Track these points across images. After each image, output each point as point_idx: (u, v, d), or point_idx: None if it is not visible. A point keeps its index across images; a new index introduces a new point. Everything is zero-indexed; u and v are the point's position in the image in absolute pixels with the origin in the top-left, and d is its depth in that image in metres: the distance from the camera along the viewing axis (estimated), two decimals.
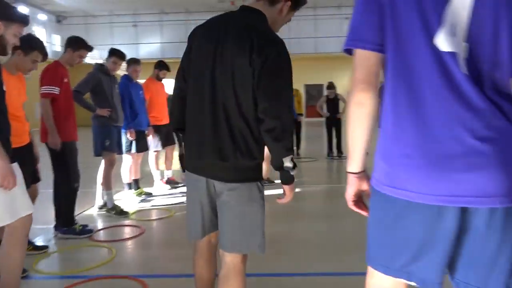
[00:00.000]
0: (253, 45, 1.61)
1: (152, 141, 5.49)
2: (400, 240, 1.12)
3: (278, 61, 1.65)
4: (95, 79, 4.29)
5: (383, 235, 1.18)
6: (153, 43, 22.77)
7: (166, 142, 5.68)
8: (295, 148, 8.46)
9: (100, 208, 4.63)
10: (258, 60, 1.60)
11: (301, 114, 8.32)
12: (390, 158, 1.12)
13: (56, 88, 3.56)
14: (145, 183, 5.64)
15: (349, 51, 1.17)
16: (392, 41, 1.09)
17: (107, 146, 4.37)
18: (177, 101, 1.93)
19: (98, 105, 4.30)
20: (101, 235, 3.92)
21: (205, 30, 1.80)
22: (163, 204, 5.01)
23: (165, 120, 5.52)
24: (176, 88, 1.93)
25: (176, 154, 6.07)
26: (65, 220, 3.74)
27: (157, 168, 5.76)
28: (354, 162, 1.25)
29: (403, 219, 1.10)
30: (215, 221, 1.85)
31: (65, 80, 3.68)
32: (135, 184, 5.30)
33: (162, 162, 5.88)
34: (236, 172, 1.72)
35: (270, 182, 5.50)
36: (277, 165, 1.70)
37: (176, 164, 6.24)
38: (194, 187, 1.85)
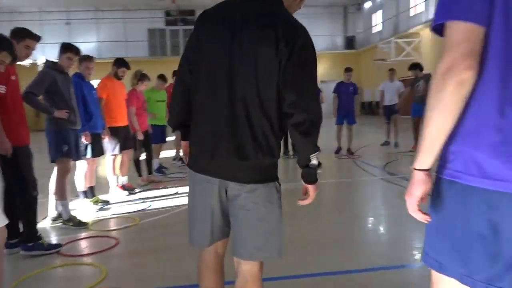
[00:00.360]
0: (279, 33, 1.48)
1: (109, 144, 5.08)
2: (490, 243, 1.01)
3: (305, 51, 1.54)
4: (49, 78, 3.82)
5: (468, 239, 1.05)
6: (89, 42, 21.55)
7: (124, 146, 5.28)
8: None
9: (54, 220, 4.19)
10: (285, 49, 1.48)
11: None
12: (487, 146, 1.00)
13: (2, 86, 3.13)
14: (100, 190, 5.21)
15: (439, 30, 1.04)
16: (502, 18, 0.97)
17: (65, 152, 3.94)
18: (179, 97, 1.76)
19: (54, 107, 3.85)
20: (71, 250, 3.50)
21: (216, 18, 1.61)
22: (124, 212, 4.65)
23: (122, 122, 5.15)
24: (179, 82, 1.76)
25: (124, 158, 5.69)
26: (28, 235, 3.30)
27: (114, 173, 5.35)
28: (429, 157, 1.09)
29: (502, 216, 0.99)
30: (224, 228, 1.71)
31: (13, 77, 3.25)
32: (91, 192, 4.88)
33: (117, 166, 5.47)
34: (256, 172, 1.58)
35: None
36: (304, 162, 1.60)
37: (131, 169, 5.86)
38: (203, 189, 1.67)
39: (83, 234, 3.87)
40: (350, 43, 24.64)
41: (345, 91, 8.11)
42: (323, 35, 23.34)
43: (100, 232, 3.92)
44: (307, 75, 1.54)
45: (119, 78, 5.18)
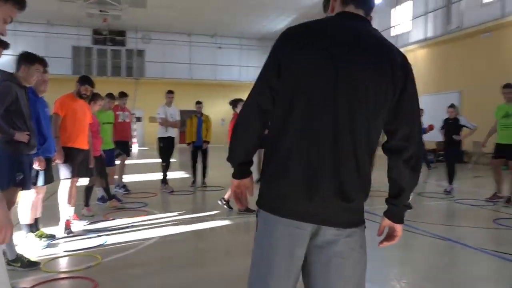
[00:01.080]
0: (395, 61, 1.39)
1: (65, 168, 4.46)
2: None
3: (414, 81, 1.44)
4: (11, 93, 3.26)
5: None
6: (5, 54, 19.58)
7: (79, 172, 4.69)
8: (202, 178, 8.07)
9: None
10: (400, 80, 1.39)
11: (207, 142, 7.90)
12: None
13: None
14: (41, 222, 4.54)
15: None
16: None
17: (19, 181, 3.35)
18: (255, 128, 1.49)
19: (12, 127, 3.27)
20: None
21: (309, 41, 1.39)
22: (77, 248, 4.07)
23: (81, 144, 4.61)
24: (256, 111, 1.47)
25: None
26: None
27: (69, 202, 4.63)
28: None
29: None
30: (297, 279, 1.46)
31: None
32: (35, 225, 4.23)
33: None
34: (356, 214, 1.44)
35: (249, 211, 4.99)
36: (406, 199, 1.49)
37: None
38: (287, 237, 1.39)
39: (44, 277, 3.27)
40: None
41: None
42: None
43: (57, 274, 3.36)
44: (417, 106, 1.46)
45: (81, 96, 4.66)
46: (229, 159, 1.56)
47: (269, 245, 1.42)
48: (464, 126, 7.33)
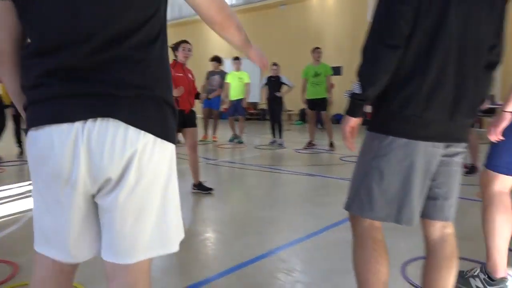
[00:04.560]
0: None
1: None
2: None
3: None
4: None
5: None
6: None
7: None
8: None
9: None
10: None
11: None
12: None
13: None
14: None
15: None
16: None
17: None
18: (396, 59, 1.40)
19: None
20: None
21: None
22: None
23: None
24: (402, 37, 1.39)
25: None
26: None
27: None
28: None
29: None
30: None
31: None
32: None
33: None
34: (468, 130, 1.59)
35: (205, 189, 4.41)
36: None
37: None
38: (425, 157, 1.46)
39: None
40: None
41: None
42: None
43: None
44: None
45: None
46: (368, 93, 1.45)
47: (409, 166, 1.45)
48: (284, 83, 8.39)
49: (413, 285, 2.21)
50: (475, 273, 2.18)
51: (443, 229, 1.60)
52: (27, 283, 2.27)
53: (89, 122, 1.01)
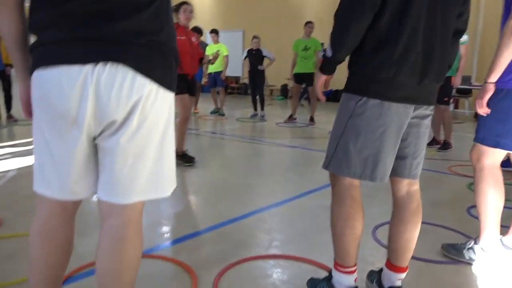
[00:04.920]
0: None
1: None
2: None
3: None
4: None
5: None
6: None
7: None
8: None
9: None
10: None
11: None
12: None
13: None
14: None
15: None
16: None
17: None
18: (365, 25, 1.48)
19: None
20: None
21: None
22: None
23: None
24: (371, 4, 1.45)
25: None
26: None
27: None
28: (497, 75, 1.90)
29: None
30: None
31: None
32: None
33: None
34: (436, 94, 1.68)
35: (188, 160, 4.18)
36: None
37: None
38: (398, 117, 1.56)
39: None
40: None
41: None
42: None
43: None
44: None
45: None
46: (336, 56, 1.56)
47: (382, 125, 1.55)
48: (266, 56, 8.38)
49: (382, 245, 2.37)
50: (469, 246, 2.24)
51: (410, 186, 1.72)
52: (12, 235, 2.35)
53: (100, 65, 1.06)
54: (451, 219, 2.87)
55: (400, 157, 1.67)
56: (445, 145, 5.32)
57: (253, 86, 8.54)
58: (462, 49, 5.04)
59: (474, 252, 2.21)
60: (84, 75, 1.05)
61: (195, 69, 4.34)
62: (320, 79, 1.68)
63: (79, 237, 2.05)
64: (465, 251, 2.24)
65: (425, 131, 1.69)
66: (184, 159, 4.25)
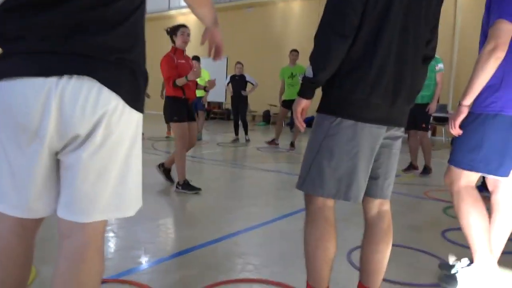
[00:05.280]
0: None
1: None
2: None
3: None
4: None
5: (501, 147, 1.98)
6: None
7: None
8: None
9: None
10: None
11: None
12: None
13: None
14: None
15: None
16: None
17: None
18: (345, 47, 1.50)
19: None
20: None
21: None
22: None
23: None
24: (350, 28, 1.48)
25: None
26: None
27: None
28: (471, 98, 1.97)
29: None
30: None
31: None
32: None
33: None
34: (406, 116, 1.72)
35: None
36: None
37: None
38: (371, 138, 1.57)
39: None
40: None
41: None
42: None
43: None
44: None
45: None
46: (318, 77, 1.55)
47: (356, 146, 1.56)
48: (248, 82, 8.47)
49: (357, 269, 2.33)
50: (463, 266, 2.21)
51: (381, 206, 1.72)
52: None
53: (65, 78, 1.03)
54: (426, 242, 2.87)
55: (372, 177, 1.67)
56: (426, 170, 5.40)
57: (236, 111, 8.61)
58: (438, 77, 5.22)
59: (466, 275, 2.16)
60: (47, 87, 1.02)
61: (195, 94, 4.27)
62: (300, 105, 1.64)
63: (43, 265, 1.99)
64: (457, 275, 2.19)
65: (396, 152, 1.71)
66: (188, 188, 4.05)
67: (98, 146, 1.09)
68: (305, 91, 1.61)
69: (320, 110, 1.64)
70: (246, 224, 3.13)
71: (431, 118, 5.82)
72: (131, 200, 1.21)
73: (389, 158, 1.68)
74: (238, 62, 8.43)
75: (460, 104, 2.03)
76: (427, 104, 5.19)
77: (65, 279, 1.13)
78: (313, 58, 1.54)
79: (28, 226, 1.20)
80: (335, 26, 1.48)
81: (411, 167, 5.51)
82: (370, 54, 1.51)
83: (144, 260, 2.41)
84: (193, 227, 3.08)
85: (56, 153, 1.12)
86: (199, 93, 8.35)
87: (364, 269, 1.75)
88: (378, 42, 1.50)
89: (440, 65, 5.25)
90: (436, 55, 5.68)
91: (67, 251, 1.15)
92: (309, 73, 1.57)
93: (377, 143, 1.59)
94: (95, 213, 1.14)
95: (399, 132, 1.69)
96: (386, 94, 1.54)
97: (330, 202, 1.65)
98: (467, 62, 6.54)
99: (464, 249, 2.71)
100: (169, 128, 8.64)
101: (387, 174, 1.69)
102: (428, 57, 1.69)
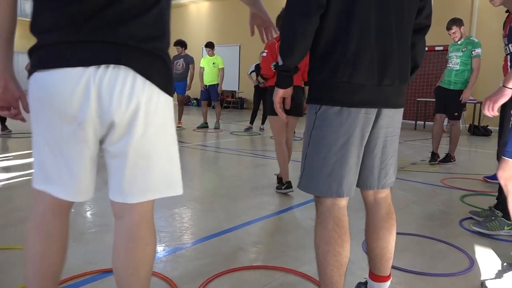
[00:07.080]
0: None
1: None
2: None
3: None
4: None
5: None
6: None
7: None
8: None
9: None
10: None
11: None
12: None
13: None
14: None
15: None
16: None
17: None
18: (313, 23, 1.39)
19: None
20: None
21: None
22: None
23: None
24: (315, 6, 1.36)
25: None
26: None
27: None
28: None
29: None
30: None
31: None
32: None
33: None
34: (403, 96, 1.57)
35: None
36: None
37: None
38: (359, 123, 1.44)
39: None
40: None
41: None
42: None
43: None
44: None
45: None
46: (286, 63, 1.47)
47: (343, 134, 1.43)
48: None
49: None
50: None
51: (376, 194, 1.63)
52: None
53: (102, 67, 1.08)
54: (442, 232, 2.82)
55: (366, 167, 1.55)
56: (447, 158, 5.20)
57: (258, 101, 8.33)
58: (474, 63, 4.91)
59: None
60: (87, 77, 1.07)
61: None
62: (277, 95, 1.55)
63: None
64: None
65: (392, 139, 1.57)
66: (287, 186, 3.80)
67: (141, 134, 1.15)
68: (279, 80, 1.54)
69: (307, 100, 1.53)
70: (259, 214, 3.12)
71: (464, 105, 5.40)
72: (178, 177, 1.28)
73: (385, 145, 1.54)
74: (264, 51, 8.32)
75: (504, 86, 1.92)
76: (459, 91, 4.94)
77: (122, 256, 1.24)
78: (280, 45, 1.45)
79: (64, 205, 1.27)
80: (297, 6, 1.38)
81: (435, 156, 5.20)
82: (344, 30, 1.38)
83: (159, 249, 2.42)
84: (207, 216, 3.09)
85: (100, 142, 1.19)
86: (207, 80, 8.26)
87: (370, 257, 1.72)
88: (353, 15, 1.37)
89: (478, 50, 4.89)
90: (474, 38, 5.26)
91: (121, 231, 1.25)
92: (280, 60, 1.48)
93: (367, 130, 1.46)
94: (146, 194, 1.21)
95: (397, 114, 1.54)
96: (370, 72, 1.40)
97: (341, 202, 1.50)
98: (486, 43, 6.27)
99: (481, 238, 2.66)
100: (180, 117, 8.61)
101: (382, 163, 1.56)
102: (423, 26, 1.57)
